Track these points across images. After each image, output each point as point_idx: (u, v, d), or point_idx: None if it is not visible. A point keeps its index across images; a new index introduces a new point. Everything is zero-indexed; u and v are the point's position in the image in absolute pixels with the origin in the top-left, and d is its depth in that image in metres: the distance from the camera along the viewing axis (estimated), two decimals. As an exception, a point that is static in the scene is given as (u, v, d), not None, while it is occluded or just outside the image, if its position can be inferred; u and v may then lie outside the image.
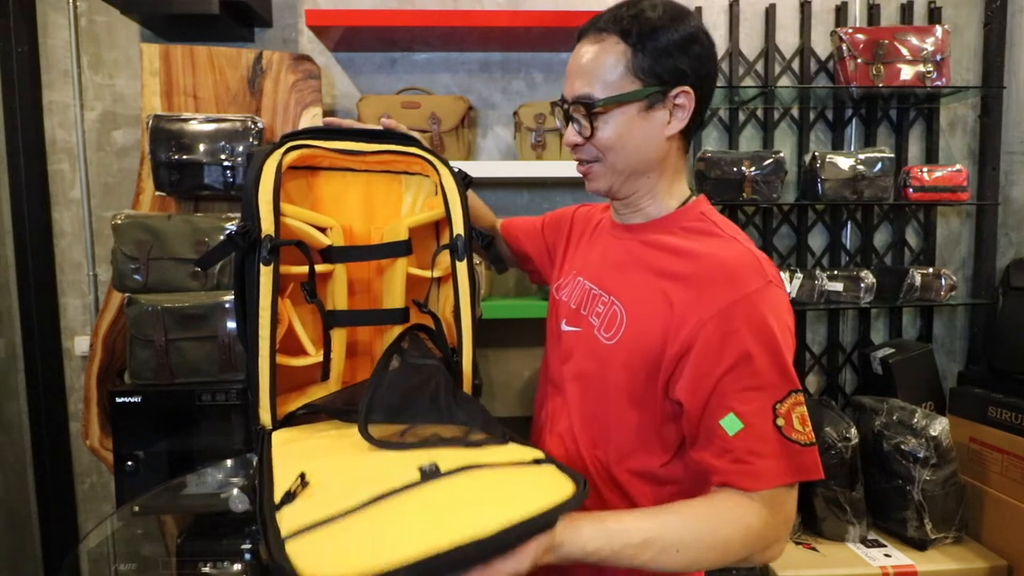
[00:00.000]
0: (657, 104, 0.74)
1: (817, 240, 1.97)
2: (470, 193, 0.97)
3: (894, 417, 1.61)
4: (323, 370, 0.83)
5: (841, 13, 1.89)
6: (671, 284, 0.73)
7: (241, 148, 1.55)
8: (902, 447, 1.55)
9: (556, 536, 0.58)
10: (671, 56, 0.72)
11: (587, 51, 0.75)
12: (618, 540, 0.62)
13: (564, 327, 0.86)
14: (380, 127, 0.91)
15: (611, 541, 0.61)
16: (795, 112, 1.92)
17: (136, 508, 1.05)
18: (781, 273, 1.75)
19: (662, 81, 0.73)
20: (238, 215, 1.57)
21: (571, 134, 0.78)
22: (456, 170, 0.88)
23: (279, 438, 0.73)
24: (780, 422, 0.66)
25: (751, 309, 0.67)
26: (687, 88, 0.73)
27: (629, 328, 0.75)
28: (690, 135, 0.80)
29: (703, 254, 0.73)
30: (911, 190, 1.80)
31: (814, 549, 1.57)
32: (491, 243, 0.89)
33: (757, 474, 0.66)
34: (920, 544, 1.55)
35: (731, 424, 0.67)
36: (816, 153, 1.77)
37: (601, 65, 0.73)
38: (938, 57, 1.74)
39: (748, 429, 0.66)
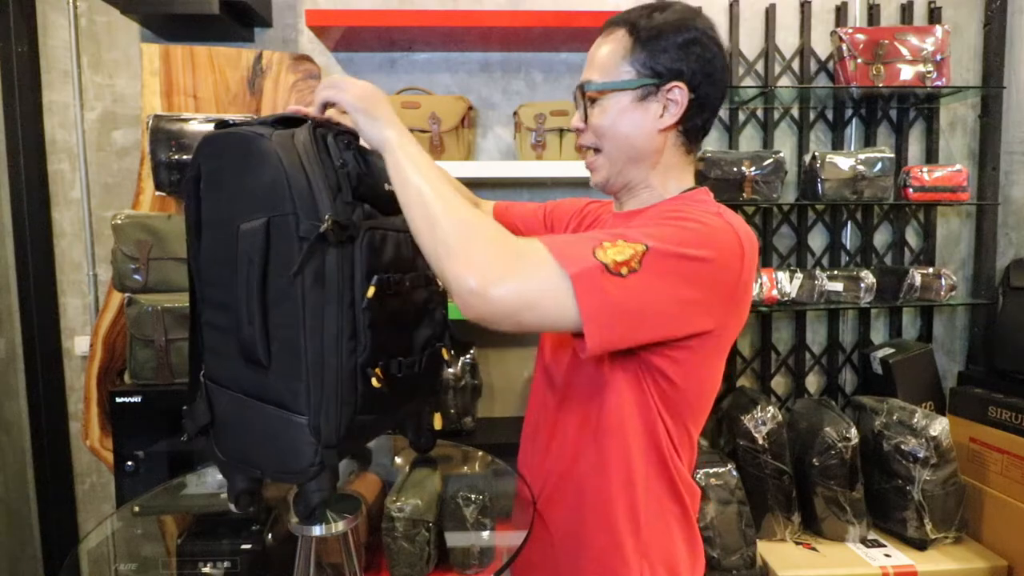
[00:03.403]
0: (651, 96, 0.77)
1: (817, 240, 1.97)
2: (446, 175, 1.02)
3: (894, 417, 1.61)
4: None
5: (841, 13, 1.89)
6: None
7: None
8: (902, 447, 1.55)
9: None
10: (668, 54, 0.76)
11: (599, 43, 0.81)
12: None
13: None
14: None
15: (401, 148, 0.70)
16: (795, 112, 1.92)
17: (136, 508, 1.05)
18: (780, 272, 1.75)
19: (656, 75, 0.76)
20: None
21: (575, 119, 0.83)
22: None
23: None
24: (604, 246, 0.65)
25: (679, 213, 0.72)
26: (681, 84, 0.76)
27: None
28: (694, 136, 0.81)
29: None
30: (911, 190, 1.80)
31: (814, 549, 1.57)
32: None
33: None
34: (920, 544, 1.55)
35: None
36: (816, 153, 1.77)
37: (605, 55, 0.79)
38: (938, 57, 1.74)
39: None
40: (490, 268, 0.63)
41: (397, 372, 0.74)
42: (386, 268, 0.72)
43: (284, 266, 0.65)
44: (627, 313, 0.65)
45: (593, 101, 0.79)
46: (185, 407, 0.77)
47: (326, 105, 0.74)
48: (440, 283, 0.85)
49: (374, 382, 0.69)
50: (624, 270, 0.64)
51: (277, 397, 0.68)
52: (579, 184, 1.84)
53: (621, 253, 0.65)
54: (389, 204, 0.78)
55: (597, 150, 0.82)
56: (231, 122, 0.72)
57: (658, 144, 0.79)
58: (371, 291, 0.68)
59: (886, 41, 1.74)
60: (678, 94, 0.76)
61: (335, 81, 0.74)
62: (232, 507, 0.78)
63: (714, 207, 0.75)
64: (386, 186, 0.76)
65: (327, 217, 0.64)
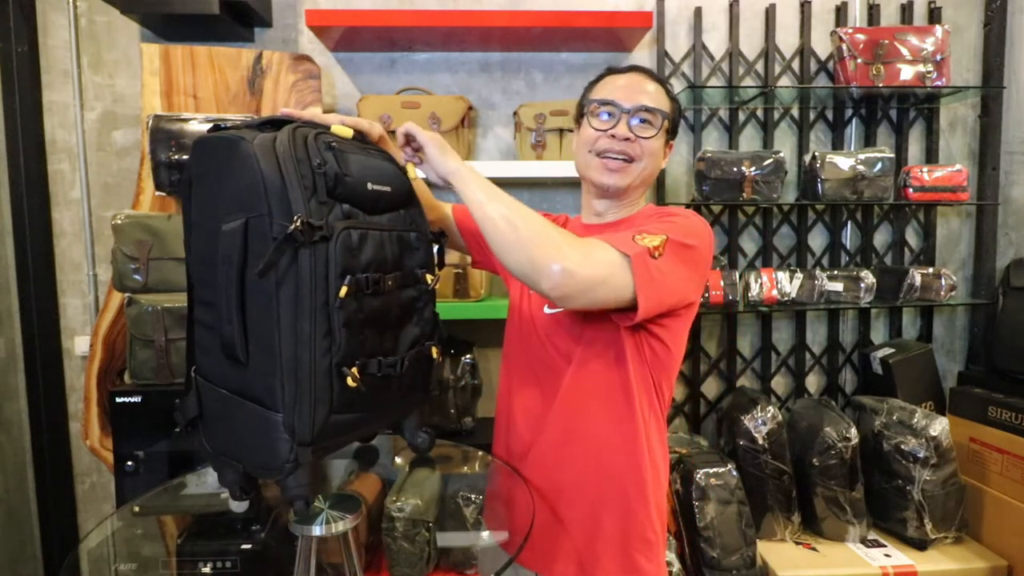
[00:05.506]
0: (666, 144, 1.01)
1: (817, 240, 1.97)
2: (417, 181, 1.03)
3: (894, 417, 1.61)
4: None
5: (841, 13, 1.89)
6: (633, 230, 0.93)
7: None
8: (902, 447, 1.55)
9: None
10: (677, 122, 1.02)
11: (654, 86, 0.99)
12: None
13: (547, 310, 1.00)
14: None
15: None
16: (795, 112, 1.92)
17: (136, 508, 1.05)
18: (781, 273, 1.76)
19: (674, 131, 1.02)
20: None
21: (639, 128, 0.97)
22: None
23: None
24: (638, 237, 0.84)
25: (668, 211, 0.94)
26: (672, 144, 1.04)
27: None
28: None
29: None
30: (911, 190, 1.80)
31: (814, 549, 1.57)
32: (442, 239, 0.91)
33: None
34: (920, 544, 1.55)
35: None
36: (816, 153, 1.77)
37: (663, 100, 0.99)
38: (938, 57, 1.74)
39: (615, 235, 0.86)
40: (573, 254, 0.79)
41: (376, 371, 0.74)
42: (364, 267, 0.72)
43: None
44: (661, 287, 0.83)
45: (659, 127, 0.96)
46: (177, 400, 0.80)
47: (406, 135, 0.89)
48: (432, 281, 0.85)
49: (349, 381, 0.69)
50: (656, 254, 0.83)
51: (256, 394, 0.69)
52: (578, 184, 1.83)
53: (653, 241, 0.83)
54: (375, 203, 0.78)
55: (630, 160, 0.97)
56: (223, 125, 0.73)
57: (655, 176, 1.04)
58: (343, 291, 0.68)
59: (886, 41, 1.74)
60: (670, 150, 1.03)
61: (412, 125, 0.90)
62: (232, 504, 0.78)
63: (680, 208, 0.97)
64: (369, 185, 0.76)
65: (296, 217, 0.65)
